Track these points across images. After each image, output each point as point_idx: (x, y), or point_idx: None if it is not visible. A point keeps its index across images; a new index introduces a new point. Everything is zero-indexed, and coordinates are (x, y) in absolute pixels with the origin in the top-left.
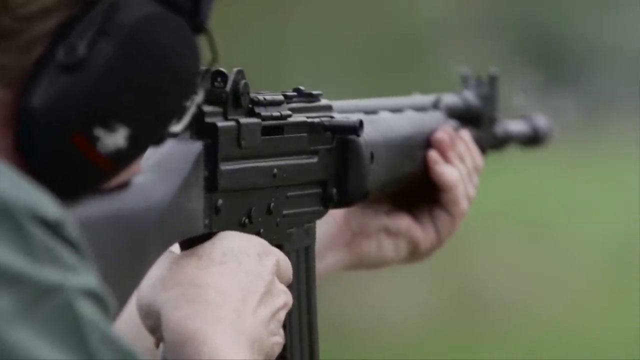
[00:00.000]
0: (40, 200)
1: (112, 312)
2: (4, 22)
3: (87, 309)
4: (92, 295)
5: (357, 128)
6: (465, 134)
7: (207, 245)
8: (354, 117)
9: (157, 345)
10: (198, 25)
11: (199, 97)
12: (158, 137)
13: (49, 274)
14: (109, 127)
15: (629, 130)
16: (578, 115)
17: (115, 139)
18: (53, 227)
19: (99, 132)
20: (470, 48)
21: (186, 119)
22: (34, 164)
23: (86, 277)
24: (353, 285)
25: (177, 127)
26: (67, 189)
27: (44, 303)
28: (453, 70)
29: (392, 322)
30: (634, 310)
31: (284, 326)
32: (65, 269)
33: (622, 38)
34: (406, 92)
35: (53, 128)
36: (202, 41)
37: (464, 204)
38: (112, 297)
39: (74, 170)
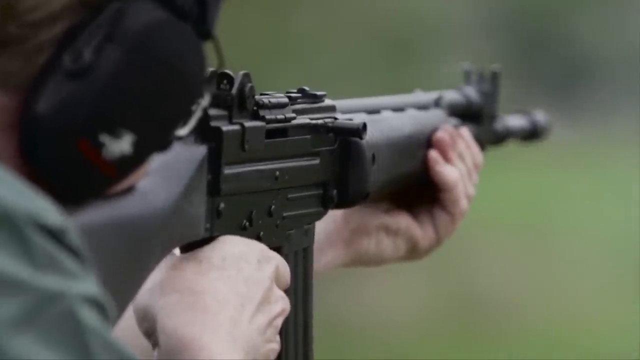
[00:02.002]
0: (42, 207)
1: (111, 318)
2: (10, 29)
3: (89, 316)
4: (93, 302)
5: (360, 131)
6: (465, 132)
7: (207, 250)
8: (358, 119)
9: (154, 348)
10: (204, 32)
11: (206, 101)
12: (163, 144)
13: (50, 281)
14: (115, 133)
15: (629, 132)
16: (578, 117)
17: (121, 145)
18: (55, 235)
19: (105, 138)
20: (469, 50)
21: (192, 123)
22: (38, 170)
23: (87, 284)
24: (352, 285)
25: (182, 131)
26: (72, 196)
27: (46, 310)
28: (452, 70)
29: (391, 322)
30: (634, 311)
31: (280, 330)
32: (67, 276)
33: (624, 41)
34: (408, 91)
35: (59, 135)
36: (208, 46)
37: (463, 204)
38: (112, 304)
39: (79, 177)
